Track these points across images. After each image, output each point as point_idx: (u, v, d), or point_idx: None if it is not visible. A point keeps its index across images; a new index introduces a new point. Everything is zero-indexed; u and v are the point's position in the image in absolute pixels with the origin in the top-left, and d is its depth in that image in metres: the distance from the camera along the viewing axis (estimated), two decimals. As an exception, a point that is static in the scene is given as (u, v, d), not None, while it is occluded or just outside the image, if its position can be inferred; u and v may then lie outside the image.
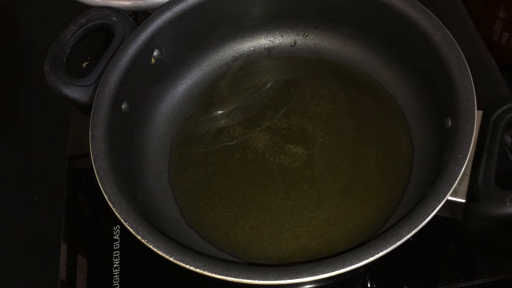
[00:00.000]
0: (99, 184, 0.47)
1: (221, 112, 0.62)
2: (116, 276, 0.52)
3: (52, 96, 0.55)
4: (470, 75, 0.48)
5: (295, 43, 0.65)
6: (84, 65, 0.68)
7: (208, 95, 0.63)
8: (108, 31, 0.57)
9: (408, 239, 0.41)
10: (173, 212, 0.55)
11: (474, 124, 0.45)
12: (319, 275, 0.40)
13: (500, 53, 0.65)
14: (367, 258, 0.40)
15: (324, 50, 0.64)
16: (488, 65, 0.63)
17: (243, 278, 0.41)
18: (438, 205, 0.42)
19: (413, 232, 0.41)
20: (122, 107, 0.54)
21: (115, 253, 0.54)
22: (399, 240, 0.41)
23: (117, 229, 0.55)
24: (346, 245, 0.45)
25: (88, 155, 0.49)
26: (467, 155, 0.44)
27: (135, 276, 0.53)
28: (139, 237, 0.44)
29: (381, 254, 0.40)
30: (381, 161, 0.55)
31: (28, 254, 0.59)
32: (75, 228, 0.58)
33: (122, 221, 0.45)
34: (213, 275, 0.41)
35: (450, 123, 0.48)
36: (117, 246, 0.54)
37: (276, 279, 0.40)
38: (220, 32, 0.63)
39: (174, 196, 0.56)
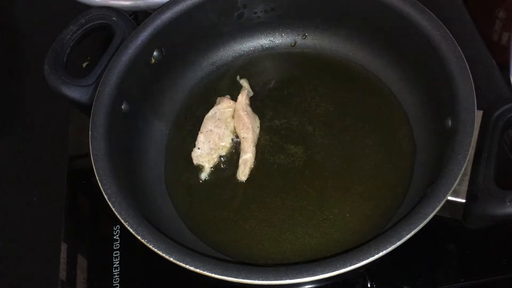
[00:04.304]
0: (99, 184, 0.47)
1: (221, 112, 0.62)
2: (116, 276, 0.52)
3: (52, 96, 0.55)
4: (470, 75, 0.48)
5: (295, 43, 0.65)
6: (84, 65, 0.68)
7: (208, 95, 0.63)
8: (108, 31, 0.57)
9: (408, 239, 0.41)
10: (172, 213, 0.55)
11: (474, 124, 0.45)
12: (319, 275, 0.40)
13: (500, 53, 0.65)
14: (367, 258, 0.40)
15: (324, 50, 0.64)
16: (488, 65, 0.63)
17: (243, 278, 0.41)
18: (438, 205, 0.42)
19: (413, 232, 0.41)
20: (122, 107, 0.54)
21: (115, 253, 0.54)
22: (399, 240, 0.41)
23: (117, 229, 0.55)
24: (346, 245, 0.45)
25: (88, 155, 0.49)
26: (467, 155, 0.44)
27: (135, 276, 0.53)
28: (139, 237, 0.44)
29: (381, 254, 0.40)
30: (381, 161, 0.55)
31: (28, 254, 0.59)
32: (75, 228, 0.58)
33: (122, 221, 0.45)
34: (213, 275, 0.41)
35: (450, 123, 0.48)
36: (117, 246, 0.54)
37: (276, 279, 0.40)
38: (220, 32, 0.63)
39: (174, 197, 0.56)
